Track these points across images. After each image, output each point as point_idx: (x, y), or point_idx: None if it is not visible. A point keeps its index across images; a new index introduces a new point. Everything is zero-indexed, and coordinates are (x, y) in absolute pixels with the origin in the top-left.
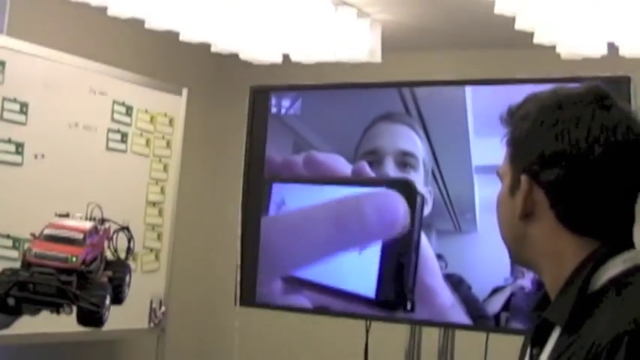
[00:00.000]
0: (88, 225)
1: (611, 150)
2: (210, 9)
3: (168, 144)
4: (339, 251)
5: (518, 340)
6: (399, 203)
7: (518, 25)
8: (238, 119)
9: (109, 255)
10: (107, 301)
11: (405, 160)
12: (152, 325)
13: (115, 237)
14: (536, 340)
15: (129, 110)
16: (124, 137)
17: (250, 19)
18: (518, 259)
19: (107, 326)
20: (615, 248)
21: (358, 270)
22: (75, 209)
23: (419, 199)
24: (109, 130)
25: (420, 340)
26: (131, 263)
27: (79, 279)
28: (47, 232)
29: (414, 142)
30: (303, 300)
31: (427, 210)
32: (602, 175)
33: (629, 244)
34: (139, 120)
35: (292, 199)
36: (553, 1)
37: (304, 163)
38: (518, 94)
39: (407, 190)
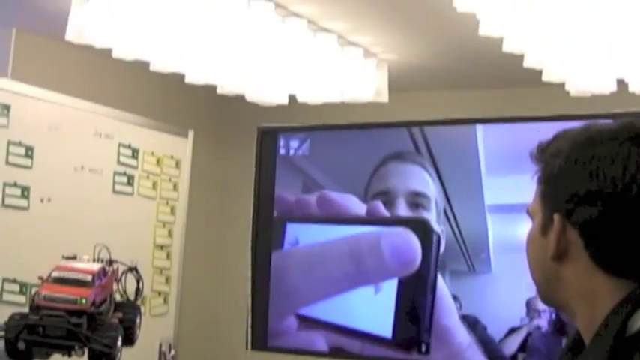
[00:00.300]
0: (96, 266)
1: None
2: (215, 51)
3: (175, 186)
4: (354, 287)
5: None
6: (415, 242)
7: (527, 63)
8: (245, 160)
9: (117, 296)
10: (119, 342)
11: (416, 200)
12: None
13: (123, 278)
14: None
15: (135, 153)
16: (130, 180)
17: (256, 60)
18: (549, 301)
19: None
20: None
21: (374, 309)
22: (82, 252)
23: (435, 238)
24: (115, 173)
25: None
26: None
27: (90, 321)
28: (55, 274)
29: (425, 182)
30: (318, 340)
31: (441, 250)
32: (638, 215)
33: None
34: (146, 162)
35: (306, 238)
36: (561, 38)
37: (318, 202)
38: (529, 132)
39: (423, 229)
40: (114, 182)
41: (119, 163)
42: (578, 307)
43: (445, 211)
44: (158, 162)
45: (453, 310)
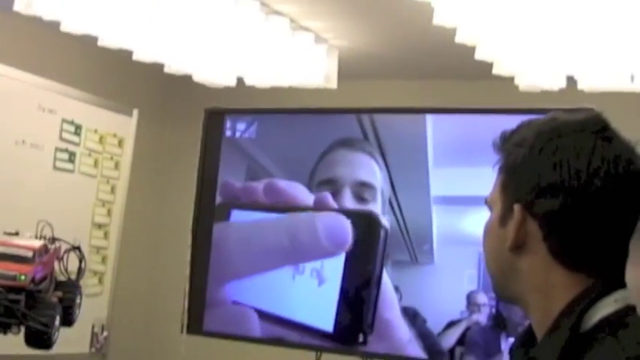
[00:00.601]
0: (37, 243)
1: (612, 183)
2: (164, 29)
3: (117, 165)
4: (288, 264)
5: None
6: (347, 225)
7: (479, 56)
8: (189, 142)
9: (59, 275)
10: (57, 322)
11: (362, 190)
12: (93, 350)
13: (65, 257)
14: None
15: (78, 129)
16: (71, 157)
17: (205, 41)
18: (504, 294)
19: (47, 350)
20: (608, 286)
21: (316, 302)
22: (24, 228)
23: (382, 233)
24: (57, 149)
25: None
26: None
27: (28, 298)
28: None
29: (372, 172)
30: (256, 328)
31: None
32: (601, 209)
33: (621, 283)
34: (88, 140)
35: None
36: (513, 32)
37: (265, 191)
38: (478, 124)
39: (370, 223)
40: (55, 158)
41: (61, 139)
42: (533, 300)
43: (390, 201)
44: (101, 140)
45: (395, 305)
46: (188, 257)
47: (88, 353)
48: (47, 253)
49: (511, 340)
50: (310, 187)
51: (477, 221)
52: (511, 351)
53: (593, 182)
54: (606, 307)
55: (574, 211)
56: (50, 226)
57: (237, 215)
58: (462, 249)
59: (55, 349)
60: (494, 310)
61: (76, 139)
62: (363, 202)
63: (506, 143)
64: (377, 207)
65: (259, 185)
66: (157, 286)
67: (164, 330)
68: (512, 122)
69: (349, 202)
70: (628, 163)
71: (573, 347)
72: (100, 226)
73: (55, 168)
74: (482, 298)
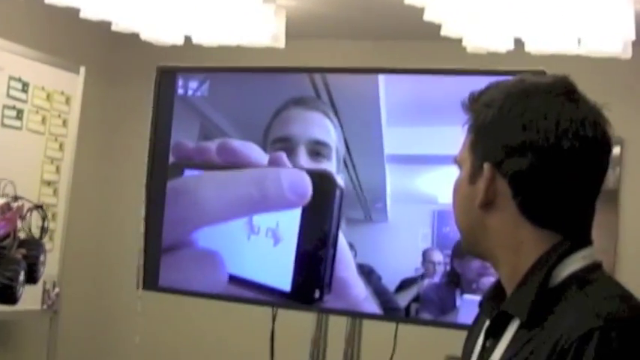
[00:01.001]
0: (0, 200)
1: (579, 144)
2: None
3: (65, 123)
4: (255, 212)
5: (426, 331)
6: (307, 179)
7: (427, 17)
8: (137, 99)
9: (22, 234)
10: (21, 277)
11: (317, 148)
12: (45, 306)
13: (28, 215)
14: (491, 332)
15: (25, 87)
16: (19, 114)
17: None
18: (473, 250)
19: (12, 305)
20: (576, 243)
21: (272, 262)
22: None
23: (337, 192)
24: (5, 107)
25: (326, 330)
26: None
27: None
28: None
29: (327, 130)
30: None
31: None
32: (568, 168)
33: (588, 240)
34: (36, 97)
35: None
36: None
37: (218, 151)
38: (430, 85)
39: (326, 182)
40: (2, 115)
41: (8, 96)
42: (502, 256)
43: (344, 160)
44: (48, 97)
45: (351, 263)
46: (142, 214)
47: (40, 310)
48: (10, 210)
49: (466, 296)
50: (265, 146)
51: (429, 180)
52: (480, 304)
53: (562, 142)
54: (574, 263)
55: (542, 170)
56: (12, 184)
57: (189, 174)
58: (416, 207)
59: (7, 306)
60: (448, 268)
61: (23, 96)
62: (318, 161)
63: (475, 103)
64: (332, 165)
65: (212, 145)
66: (107, 243)
67: (115, 286)
68: (463, 83)
69: (304, 161)
70: (594, 124)
71: (542, 301)
72: (49, 183)
73: (3, 125)
74: (437, 256)
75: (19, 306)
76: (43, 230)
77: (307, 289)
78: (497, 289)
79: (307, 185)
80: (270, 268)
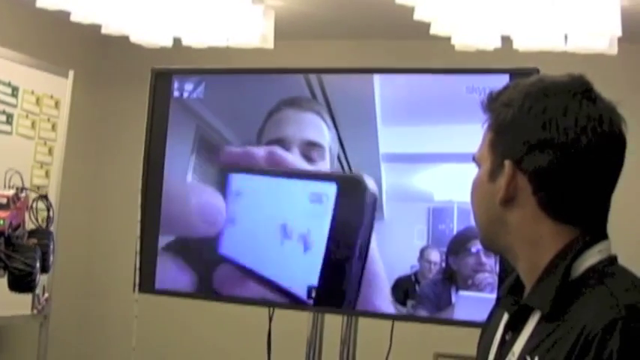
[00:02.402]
0: (10, 191)
1: (597, 140)
2: None
3: (54, 127)
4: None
5: (422, 328)
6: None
7: (417, 16)
8: (127, 102)
9: (29, 224)
10: (38, 264)
11: (311, 150)
12: (35, 311)
13: (34, 205)
14: (511, 326)
15: (15, 91)
16: (9, 118)
17: (142, 1)
18: (492, 245)
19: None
20: (593, 237)
21: (301, 269)
22: None
23: (369, 198)
24: None
25: (322, 330)
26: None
27: (7, 244)
28: None
29: (320, 131)
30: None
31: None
32: (587, 165)
33: (604, 234)
34: (25, 101)
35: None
36: None
37: (266, 157)
38: (424, 83)
39: (358, 188)
40: None
41: None
42: (521, 251)
43: (339, 159)
44: (38, 101)
45: (379, 278)
46: (139, 216)
47: (30, 314)
48: (19, 200)
49: (461, 293)
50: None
51: (425, 178)
52: (499, 299)
53: (580, 139)
54: (592, 257)
55: (562, 167)
56: (19, 174)
57: (236, 178)
58: (411, 205)
59: None
60: (444, 265)
61: (13, 100)
62: (312, 161)
63: (494, 103)
64: (325, 165)
65: (260, 151)
66: (98, 248)
67: (105, 291)
68: (456, 82)
69: (298, 161)
70: (610, 122)
71: (564, 294)
72: (38, 187)
73: None
74: (435, 256)
75: (9, 311)
76: (49, 220)
77: (330, 302)
78: (516, 283)
79: (218, 213)
80: (298, 275)
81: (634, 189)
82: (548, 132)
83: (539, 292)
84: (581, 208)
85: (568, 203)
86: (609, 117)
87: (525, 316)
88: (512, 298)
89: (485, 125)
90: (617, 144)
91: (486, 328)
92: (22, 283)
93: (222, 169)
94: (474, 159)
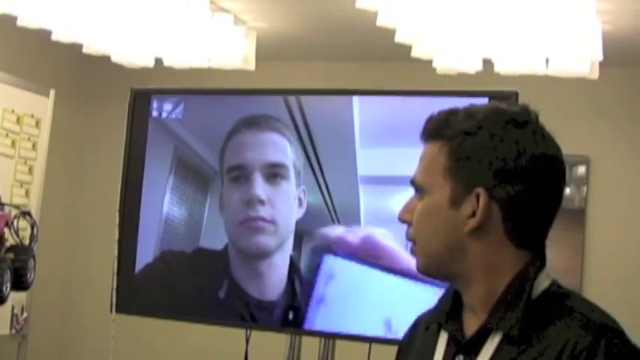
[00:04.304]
0: None
1: (556, 171)
2: (83, 9)
3: (34, 146)
4: None
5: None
6: None
7: (398, 38)
8: (108, 122)
9: (10, 240)
10: (8, 282)
11: (274, 171)
12: (14, 331)
13: (15, 222)
14: (465, 349)
15: None
16: None
17: (124, 21)
18: (438, 272)
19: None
20: (542, 262)
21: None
22: None
23: None
24: None
25: (299, 352)
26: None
27: None
28: None
29: (282, 150)
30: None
31: (301, 212)
32: (547, 194)
33: (545, 259)
34: (5, 120)
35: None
36: (432, 15)
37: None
38: (403, 106)
39: None
40: None
41: None
42: (478, 277)
43: (318, 181)
44: (18, 120)
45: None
46: (116, 236)
47: (9, 334)
48: None
49: None
50: (221, 173)
51: (403, 200)
52: (439, 326)
53: (548, 169)
54: (544, 280)
55: (530, 195)
56: None
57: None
58: (390, 228)
59: None
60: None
61: None
62: (276, 183)
63: (446, 129)
64: (291, 185)
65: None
66: (76, 267)
67: (83, 311)
68: (436, 104)
69: (261, 187)
70: (558, 151)
71: (530, 315)
72: (17, 207)
73: None
74: None
75: None
76: (32, 237)
77: (285, 310)
78: (452, 309)
79: None
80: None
81: None
82: (522, 161)
83: (502, 315)
84: (538, 235)
85: (530, 230)
86: (558, 148)
87: (482, 339)
88: (454, 323)
89: (428, 149)
90: (563, 173)
91: (409, 349)
92: None
93: (318, 250)
94: (414, 183)
